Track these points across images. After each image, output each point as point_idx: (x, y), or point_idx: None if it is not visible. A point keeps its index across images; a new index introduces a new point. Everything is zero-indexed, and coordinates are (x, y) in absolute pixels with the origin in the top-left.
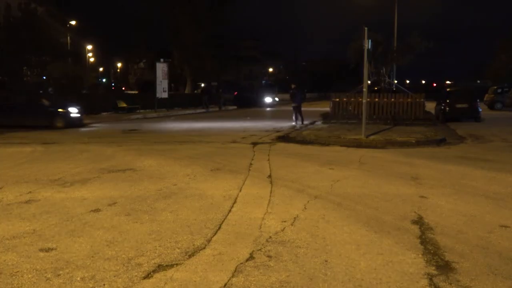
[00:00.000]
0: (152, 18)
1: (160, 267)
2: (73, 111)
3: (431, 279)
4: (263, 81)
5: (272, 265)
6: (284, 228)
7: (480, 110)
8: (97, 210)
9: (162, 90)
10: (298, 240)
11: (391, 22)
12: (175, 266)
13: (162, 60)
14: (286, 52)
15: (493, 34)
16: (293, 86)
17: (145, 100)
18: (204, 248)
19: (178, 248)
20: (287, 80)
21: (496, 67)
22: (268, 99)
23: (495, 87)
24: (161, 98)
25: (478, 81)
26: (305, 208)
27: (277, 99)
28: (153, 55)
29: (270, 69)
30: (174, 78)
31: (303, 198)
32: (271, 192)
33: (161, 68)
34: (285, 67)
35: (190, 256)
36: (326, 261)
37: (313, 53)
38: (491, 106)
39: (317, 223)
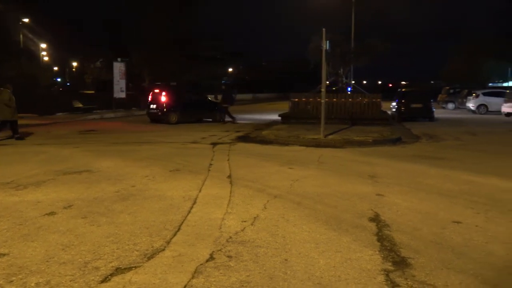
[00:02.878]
0: (111, 17)
1: (118, 270)
2: None
3: (387, 275)
4: (223, 81)
5: (232, 265)
6: (244, 228)
7: (434, 110)
8: (52, 213)
9: (119, 90)
10: (258, 239)
11: (350, 24)
12: (133, 268)
13: (119, 59)
14: (248, 52)
15: (447, 38)
16: (223, 87)
17: (102, 100)
18: (164, 249)
19: (137, 251)
20: (247, 80)
21: (450, 68)
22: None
23: (448, 88)
24: (119, 98)
25: (432, 82)
26: (265, 207)
27: (236, 99)
28: (110, 54)
29: (230, 69)
30: (132, 78)
31: (263, 198)
32: (231, 192)
33: (119, 67)
34: (247, 67)
35: (149, 258)
36: (286, 260)
37: (274, 53)
38: (444, 106)
39: (277, 222)
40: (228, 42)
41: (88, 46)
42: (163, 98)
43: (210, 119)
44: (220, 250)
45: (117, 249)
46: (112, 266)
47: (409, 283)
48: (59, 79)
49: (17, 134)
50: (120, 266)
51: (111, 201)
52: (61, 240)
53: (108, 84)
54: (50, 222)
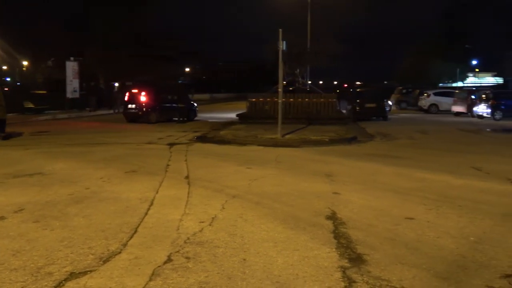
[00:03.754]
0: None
1: (72, 275)
2: None
3: (344, 272)
4: (180, 81)
5: (190, 266)
6: (202, 229)
7: (388, 109)
8: (1, 218)
9: (72, 90)
10: (216, 240)
11: (311, 25)
12: (88, 273)
13: (72, 58)
14: (206, 53)
15: (400, 39)
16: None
17: (54, 101)
18: (120, 252)
19: (92, 254)
20: (203, 80)
21: (402, 69)
22: None
23: (401, 88)
24: (72, 98)
25: (385, 82)
26: (223, 208)
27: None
28: (63, 54)
29: (187, 69)
30: (86, 78)
31: (221, 198)
32: (188, 193)
33: (72, 67)
34: (204, 67)
35: (104, 262)
36: (244, 259)
37: (232, 54)
38: (397, 106)
39: (235, 222)
40: (185, 42)
41: (39, 45)
42: (143, 98)
43: (185, 118)
44: (178, 251)
45: (71, 253)
46: (66, 271)
47: (365, 279)
48: (8, 79)
49: (3, 133)
50: (75, 271)
51: (65, 204)
52: (11, 246)
53: (60, 84)
54: (0, 227)
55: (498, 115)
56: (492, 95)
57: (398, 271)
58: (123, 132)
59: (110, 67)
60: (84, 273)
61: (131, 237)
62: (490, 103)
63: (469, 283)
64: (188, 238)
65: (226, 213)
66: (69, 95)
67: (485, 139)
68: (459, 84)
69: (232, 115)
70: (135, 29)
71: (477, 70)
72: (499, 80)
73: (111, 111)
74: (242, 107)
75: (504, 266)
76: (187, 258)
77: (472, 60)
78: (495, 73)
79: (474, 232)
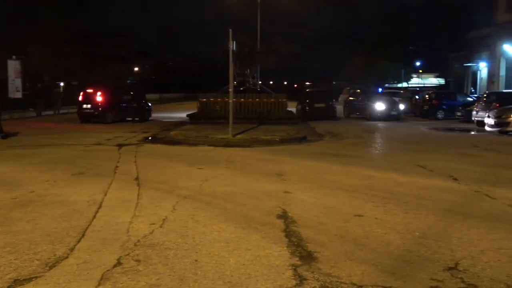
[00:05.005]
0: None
1: (16, 282)
2: None
3: (295, 270)
4: (128, 81)
5: (141, 269)
6: (153, 231)
7: (337, 109)
8: None
9: (15, 89)
10: (167, 242)
11: (261, 25)
12: (34, 279)
13: (14, 57)
14: (155, 52)
15: (349, 40)
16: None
17: None
18: (67, 257)
19: (37, 260)
20: (153, 80)
21: (350, 69)
22: None
23: (349, 88)
24: (14, 98)
25: (334, 83)
26: (174, 209)
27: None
28: (4, 52)
29: (136, 69)
30: (31, 77)
31: (172, 199)
32: (138, 195)
33: (14, 66)
34: (153, 67)
35: (51, 268)
36: (196, 260)
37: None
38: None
39: (186, 223)
40: (134, 40)
41: None
42: (99, 97)
43: (137, 118)
44: (128, 254)
45: (15, 259)
46: (10, 278)
47: (315, 276)
48: None
49: (2, 133)
50: (19, 278)
51: (8, 209)
52: None
53: (1, 84)
54: None
55: (440, 114)
56: (434, 95)
57: (347, 267)
58: (70, 133)
59: (54, 66)
60: (29, 279)
61: (78, 241)
62: (432, 103)
63: (415, 277)
64: (138, 241)
65: (177, 214)
66: (11, 95)
67: (429, 138)
68: (404, 84)
69: (183, 115)
70: (83, 27)
71: (420, 71)
72: (441, 81)
73: (51, 112)
74: (193, 107)
75: (447, 259)
76: (138, 261)
77: (416, 61)
78: (437, 74)
79: (419, 227)
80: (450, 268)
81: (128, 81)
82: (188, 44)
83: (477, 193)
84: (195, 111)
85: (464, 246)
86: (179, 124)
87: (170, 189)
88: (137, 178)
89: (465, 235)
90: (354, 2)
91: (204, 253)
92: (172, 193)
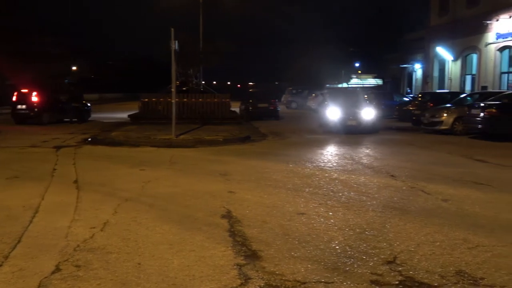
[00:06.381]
0: None
1: None
2: None
3: (240, 269)
4: (66, 80)
5: (81, 275)
6: (93, 235)
7: (279, 109)
8: None
9: None
10: (109, 245)
11: (205, 26)
12: None
13: None
14: (95, 51)
15: (292, 41)
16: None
17: None
18: (1, 265)
19: None
20: (92, 79)
21: (293, 70)
22: None
23: (291, 88)
24: None
25: (276, 83)
26: (115, 212)
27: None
28: None
29: (74, 68)
30: None
31: (113, 202)
32: (78, 198)
33: None
34: (93, 66)
35: None
36: (139, 264)
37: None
38: (287, 106)
39: (128, 226)
40: (74, 39)
41: None
42: (35, 98)
43: (76, 119)
44: (67, 260)
45: None
46: None
47: (260, 274)
48: None
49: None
50: None
51: None
52: None
53: None
54: None
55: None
56: (373, 96)
57: (291, 265)
58: (4, 134)
59: None
60: None
61: (13, 248)
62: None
63: (356, 272)
64: (78, 246)
65: (118, 217)
66: None
67: (371, 139)
68: (344, 85)
69: (124, 116)
70: (19, 24)
71: (360, 71)
72: (380, 82)
73: None
74: (134, 108)
75: (385, 254)
76: (77, 266)
77: (355, 62)
78: (376, 75)
79: (359, 223)
80: (389, 262)
81: (66, 81)
82: (130, 43)
83: (413, 189)
84: (137, 111)
85: (401, 240)
86: (120, 124)
87: (111, 192)
88: (76, 181)
89: (402, 229)
90: (298, 4)
91: (147, 255)
92: (113, 196)
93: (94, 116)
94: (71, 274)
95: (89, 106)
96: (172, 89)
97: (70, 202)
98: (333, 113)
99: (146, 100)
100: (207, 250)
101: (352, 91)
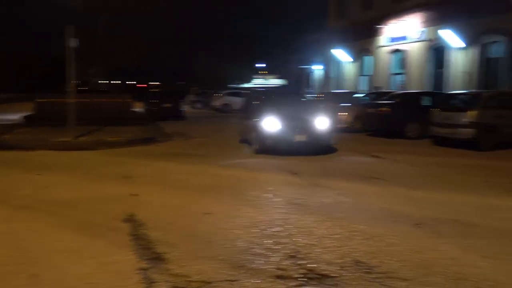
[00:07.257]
0: None
1: None
2: None
3: (144, 273)
4: None
5: None
6: None
7: (184, 109)
8: None
9: None
10: (1, 257)
11: (108, 25)
12: None
13: None
14: None
15: (196, 41)
16: None
17: None
18: None
19: None
20: None
21: (198, 70)
22: None
23: (196, 88)
24: None
25: (181, 83)
26: (8, 220)
27: None
28: None
29: None
30: None
31: (6, 210)
32: None
33: None
34: None
35: None
36: (35, 274)
37: (15, 48)
38: (193, 106)
39: (23, 235)
40: None
41: None
42: None
43: None
44: None
45: None
46: None
47: (165, 277)
48: None
49: None
50: None
51: None
52: None
53: None
54: None
55: None
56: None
57: (197, 265)
58: None
59: None
60: None
61: None
62: None
63: (261, 268)
64: None
65: (12, 226)
66: None
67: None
68: (247, 85)
69: (17, 117)
70: None
71: (265, 72)
72: (284, 82)
73: None
74: (28, 108)
75: (288, 248)
76: None
77: (258, 63)
78: (279, 75)
79: (264, 220)
80: (291, 257)
81: None
82: (24, 40)
83: (313, 186)
84: (32, 112)
85: (303, 235)
86: (13, 126)
87: (3, 199)
88: None
89: (304, 224)
90: (196, 4)
91: (45, 265)
92: (6, 203)
93: None
94: None
95: None
96: (70, 89)
97: None
98: (270, 124)
99: (42, 100)
100: (109, 256)
101: (294, 91)
